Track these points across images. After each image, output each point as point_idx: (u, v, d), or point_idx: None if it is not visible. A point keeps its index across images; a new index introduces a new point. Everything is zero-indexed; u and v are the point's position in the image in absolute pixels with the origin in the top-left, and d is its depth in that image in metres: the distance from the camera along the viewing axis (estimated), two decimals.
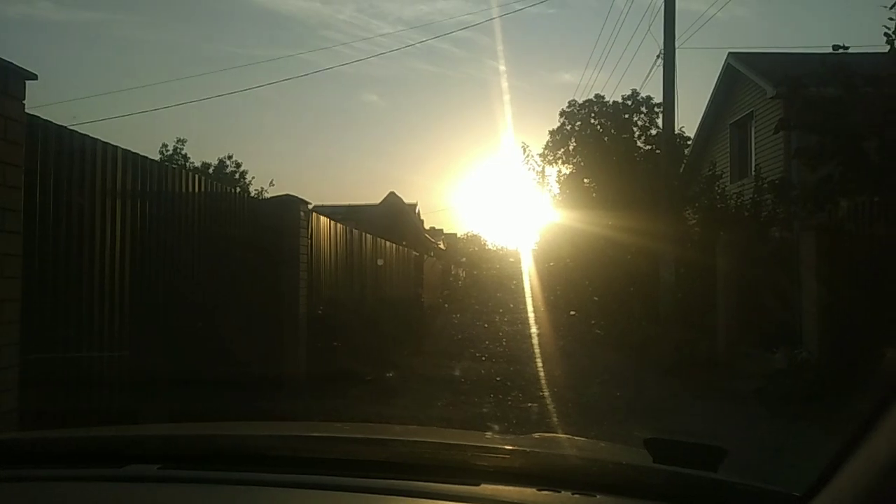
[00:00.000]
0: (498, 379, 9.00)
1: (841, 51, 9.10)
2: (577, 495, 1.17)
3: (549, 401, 7.77)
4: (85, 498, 1.22)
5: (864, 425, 0.89)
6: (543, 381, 9.13)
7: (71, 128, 4.51)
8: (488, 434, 2.30)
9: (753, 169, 14.78)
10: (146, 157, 5.39)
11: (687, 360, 10.33)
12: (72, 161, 4.41)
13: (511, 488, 1.19)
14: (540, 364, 11.08)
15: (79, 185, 4.46)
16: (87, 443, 1.51)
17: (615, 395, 8.12)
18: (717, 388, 8.76)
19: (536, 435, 2.51)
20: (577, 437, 2.14)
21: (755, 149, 15.76)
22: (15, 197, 3.63)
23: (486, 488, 1.18)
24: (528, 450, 1.47)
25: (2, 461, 1.39)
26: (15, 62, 3.63)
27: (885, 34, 8.63)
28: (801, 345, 8.32)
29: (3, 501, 1.23)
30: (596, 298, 18.10)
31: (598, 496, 1.17)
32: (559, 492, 1.18)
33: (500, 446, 1.46)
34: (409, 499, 1.15)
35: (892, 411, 0.84)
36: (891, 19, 8.63)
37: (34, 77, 3.76)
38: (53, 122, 4.28)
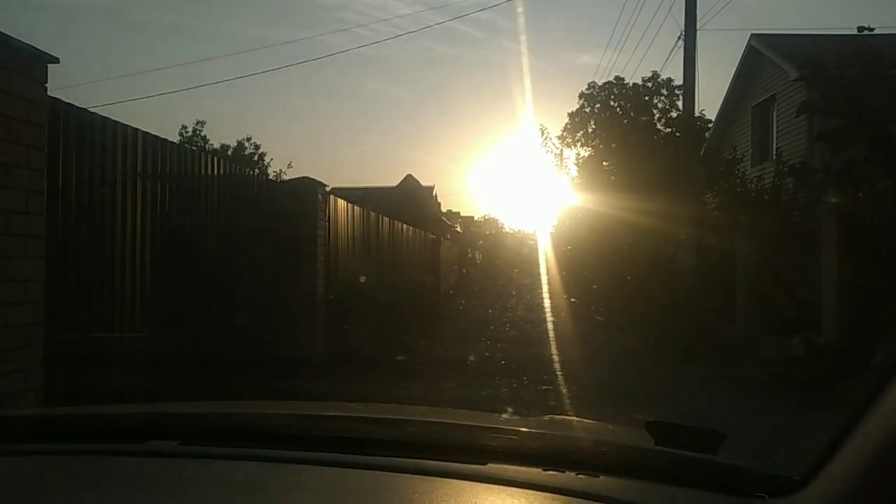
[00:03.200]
0: (512, 362, 9.05)
1: (866, 32, 8.95)
2: (581, 475, 1.20)
3: (561, 384, 7.81)
4: (108, 471, 1.27)
5: (860, 410, 0.91)
6: (557, 365, 9.16)
7: (91, 110, 4.59)
8: (499, 415, 2.33)
9: (775, 152, 14.60)
10: (165, 140, 5.45)
11: (705, 344, 10.30)
12: (93, 143, 4.48)
13: (517, 468, 1.23)
14: (555, 348, 11.11)
15: (100, 168, 4.54)
16: (110, 419, 1.57)
17: (630, 379, 8.13)
18: (735, 373, 8.73)
19: (546, 417, 2.54)
20: (586, 420, 2.17)
21: (777, 132, 15.55)
22: (38, 179, 3.70)
23: (493, 467, 1.22)
24: (534, 431, 1.50)
25: (28, 436, 1.45)
26: (37, 45, 3.69)
27: None
28: (819, 330, 8.27)
29: (30, 473, 1.29)
30: (614, 282, 18.05)
31: (601, 476, 1.20)
32: (564, 472, 1.21)
33: (507, 427, 1.49)
34: (418, 476, 1.19)
35: (883, 397, 0.86)
36: None
37: (56, 61, 3.81)
38: (75, 104, 4.36)
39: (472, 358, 9.43)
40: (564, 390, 7.46)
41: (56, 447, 1.36)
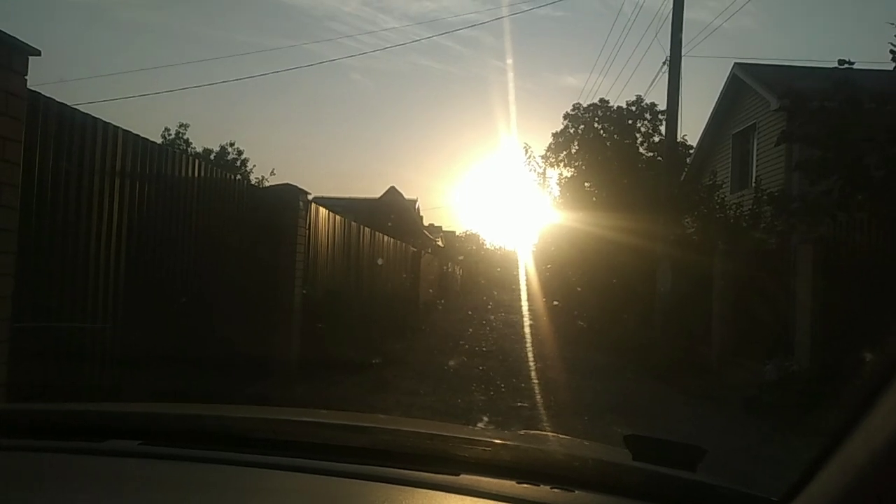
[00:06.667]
0: (488, 378, 9.03)
1: (846, 66, 9.11)
2: (555, 489, 1.17)
3: (537, 401, 7.79)
4: (65, 469, 1.22)
5: (841, 430, 0.89)
6: (534, 382, 9.14)
7: (73, 106, 4.51)
8: (473, 427, 2.30)
9: (754, 180, 14.79)
10: (146, 139, 5.39)
11: (680, 366, 10.36)
12: (72, 139, 4.41)
13: (490, 479, 1.19)
14: (532, 365, 11.09)
15: (77, 163, 4.46)
16: (69, 417, 1.51)
17: (604, 397, 8.14)
18: (708, 395, 8.78)
19: (522, 431, 2.51)
20: (561, 435, 2.15)
21: (756, 160, 15.76)
22: (13, 172, 3.62)
23: (466, 478, 1.18)
24: (508, 443, 1.47)
25: None
26: (19, 37, 3.62)
27: (891, 51, 8.64)
28: (792, 356, 8.34)
29: None
30: (592, 301, 18.13)
31: (576, 491, 1.17)
32: (538, 485, 1.18)
33: (480, 438, 1.45)
34: (388, 485, 1.15)
35: (867, 416, 0.85)
36: None
37: (37, 53, 3.75)
38: (55, 99, 4.29)
39: (450, 364, 9.40)
40: (540, 407, 7.44)
41: (12, 443, 1.30)
